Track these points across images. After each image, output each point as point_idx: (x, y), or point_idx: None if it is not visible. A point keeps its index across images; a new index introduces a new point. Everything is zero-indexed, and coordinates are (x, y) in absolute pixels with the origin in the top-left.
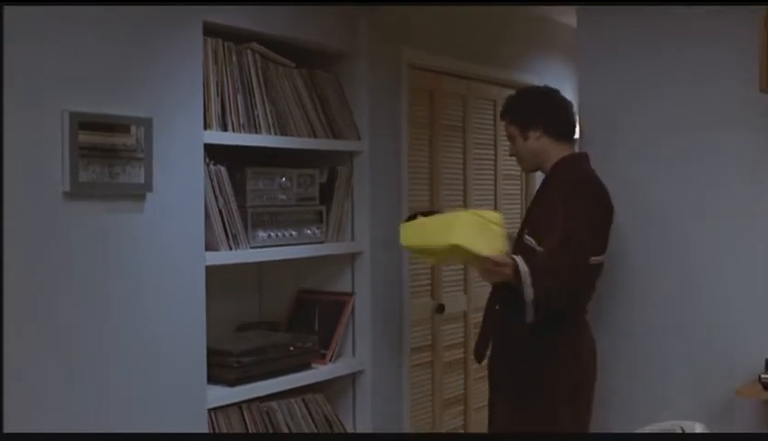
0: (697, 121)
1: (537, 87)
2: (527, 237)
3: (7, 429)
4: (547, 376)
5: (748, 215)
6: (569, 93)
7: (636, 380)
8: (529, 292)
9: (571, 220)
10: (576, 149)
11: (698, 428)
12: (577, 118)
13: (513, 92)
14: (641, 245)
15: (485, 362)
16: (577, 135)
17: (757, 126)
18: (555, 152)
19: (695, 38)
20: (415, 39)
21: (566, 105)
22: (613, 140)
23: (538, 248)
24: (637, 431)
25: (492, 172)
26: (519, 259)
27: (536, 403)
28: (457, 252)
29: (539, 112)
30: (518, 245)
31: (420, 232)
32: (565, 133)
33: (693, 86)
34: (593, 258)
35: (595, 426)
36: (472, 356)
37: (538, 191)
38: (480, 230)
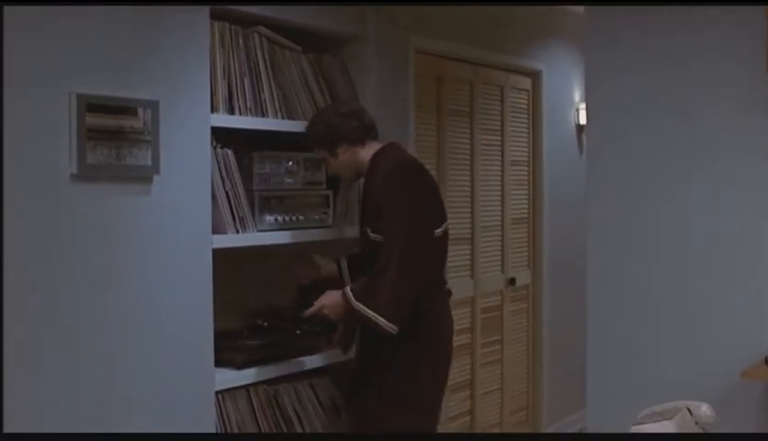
0: (705, 106)
1: (327, 107)
2: (372, 234)
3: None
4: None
5: (754, 197)
6: (576, 79)
7: (640, 362)
8: (380, 320)
9: (390, 216)
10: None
11: (704, 408)
12: (583, 104)
13: (313, 118)
14: (648, 228)
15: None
16: (378, 130)
17: (765, 108)
18: (365, 154)
19: (702, 22)
20: (422, 25)
21: (357, 110)
22: (620, 126)
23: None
24: (642, 412)
25: (500, 157)
26: (353, 301)
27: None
28: None
29: (337, 129)
30: (365, 242)
31: None
32: (366, 135)
33: (700, 70)
34: (437, 230)
35: (599, 409)
36: (480, 342)
37: (363, 188)
38: None
